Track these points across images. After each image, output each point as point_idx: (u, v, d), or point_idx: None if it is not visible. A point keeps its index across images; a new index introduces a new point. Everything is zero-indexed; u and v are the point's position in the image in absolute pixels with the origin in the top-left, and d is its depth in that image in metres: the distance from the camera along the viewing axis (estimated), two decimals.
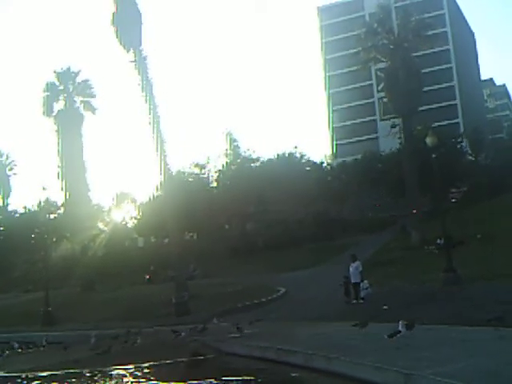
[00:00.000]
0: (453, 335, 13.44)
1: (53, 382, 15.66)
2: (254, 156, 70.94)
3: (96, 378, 15.38)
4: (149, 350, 19.19)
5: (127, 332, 22.68)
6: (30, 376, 16.43)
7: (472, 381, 8.93)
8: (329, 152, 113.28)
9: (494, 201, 51.06)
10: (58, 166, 50.70)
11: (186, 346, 18.62)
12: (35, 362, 19.33)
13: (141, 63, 33.01)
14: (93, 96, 52.59)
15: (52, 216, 53.39)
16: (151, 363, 16.62)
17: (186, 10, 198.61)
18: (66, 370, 16.29)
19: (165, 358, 17.19)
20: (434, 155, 28.85)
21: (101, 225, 66.83)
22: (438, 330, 14.51)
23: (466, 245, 33.63)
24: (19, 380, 16.19)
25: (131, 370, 16.09)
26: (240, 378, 13.24)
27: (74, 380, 15.35)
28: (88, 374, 15.63)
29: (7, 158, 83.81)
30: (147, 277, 47.62)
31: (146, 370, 15.94)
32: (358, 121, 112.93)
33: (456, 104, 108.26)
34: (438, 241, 34.24)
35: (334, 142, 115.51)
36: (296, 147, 77.77)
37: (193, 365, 16.32)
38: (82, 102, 52.17)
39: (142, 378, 15.04)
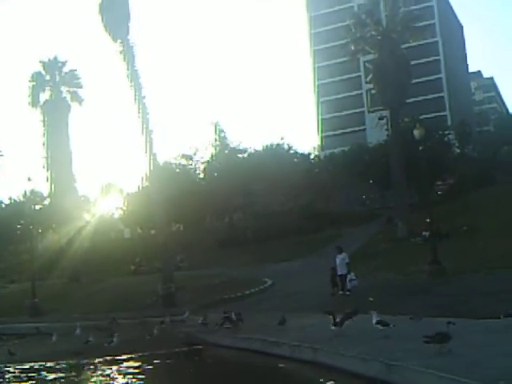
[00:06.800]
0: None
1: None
2: (242, 147, 70.73)
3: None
4: (136, 342, 19.20)
5: (111, 321, 22.77)
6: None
7: (456, 372, 8.97)
8: (316, 144, 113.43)
9: (480, 193, 51.24)
10: (44, 157, 50.28)
11: (174, 336, 18.71)
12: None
13: (128, 53, 32.67)
14: (80, 86, 52.10)
15: (38, 207, 53.17)
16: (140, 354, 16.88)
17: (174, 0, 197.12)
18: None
19: (154, 349, 17.32)
20: (421, 147, 28.94)
21: (87, 216, 66.39)
22: (422, 322, 14.57)
23: (451, 237, 33.75)
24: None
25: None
26: None
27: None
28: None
29: None
30: (133, 267, 47.43)
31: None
32: (345, 112, 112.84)
33: (443, 96, 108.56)
34: (424, 233, 34.38)
35: (322, 134, 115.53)
36: (283, 138, 77.65)
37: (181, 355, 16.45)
38: (68, 92, 51.65)
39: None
